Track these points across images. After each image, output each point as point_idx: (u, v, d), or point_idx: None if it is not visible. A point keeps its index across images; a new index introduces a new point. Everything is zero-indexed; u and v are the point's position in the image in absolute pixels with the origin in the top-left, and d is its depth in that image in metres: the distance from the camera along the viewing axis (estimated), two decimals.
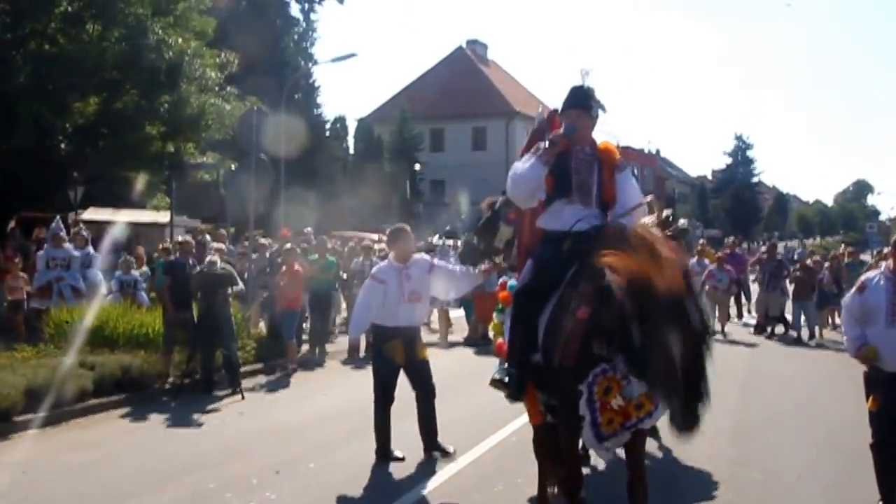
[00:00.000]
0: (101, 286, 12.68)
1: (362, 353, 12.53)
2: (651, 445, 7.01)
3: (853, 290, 5.86)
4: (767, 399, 10.32)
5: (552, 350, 4.62)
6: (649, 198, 6.31)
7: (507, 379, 5.01)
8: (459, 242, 12.67)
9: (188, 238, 12.51)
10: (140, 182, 17.80)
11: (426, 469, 7.05)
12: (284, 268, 12.17)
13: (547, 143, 4.89)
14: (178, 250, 11.68)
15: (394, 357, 7.29)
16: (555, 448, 5.37)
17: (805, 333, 16.37)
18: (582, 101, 5.01)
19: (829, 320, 17.33)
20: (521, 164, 5.00)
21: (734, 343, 15.26)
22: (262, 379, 11.42)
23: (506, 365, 5.13)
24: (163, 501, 6.21)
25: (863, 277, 5.90)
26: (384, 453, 7.29)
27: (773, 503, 6.35)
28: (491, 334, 6.21)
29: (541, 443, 5.49)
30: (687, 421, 4.01)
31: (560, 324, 4.59)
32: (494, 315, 6.00)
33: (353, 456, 7.39)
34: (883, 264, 6.00)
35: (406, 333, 7.29)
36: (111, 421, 8.90)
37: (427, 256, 7.83)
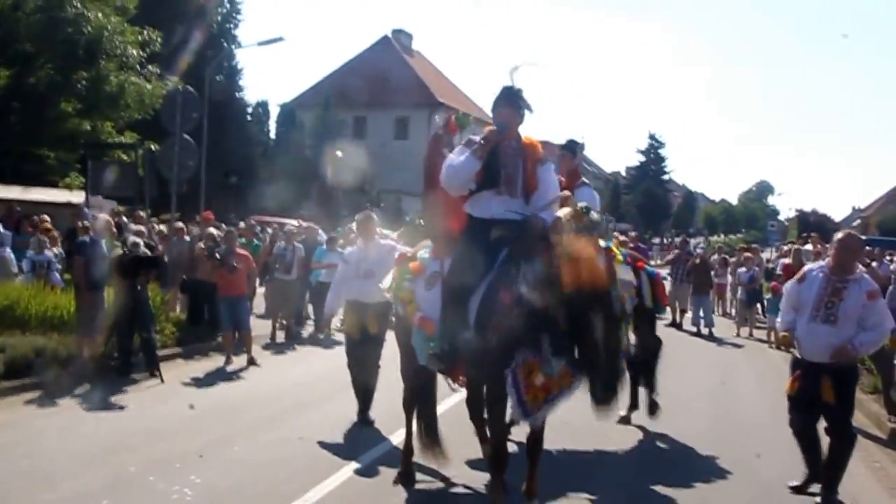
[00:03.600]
0: (11, 265, 12.23)
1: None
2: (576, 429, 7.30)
3: (795, 278, 6.34)
4: (676, 388, 10.71)
5: (487, 330, 4.96)
6: (566, 193, 6.66)
7: (440, 355, 5.33)
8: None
9: (102, 216, 12.07)
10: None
11: (351, 450, 7.14)
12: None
13: (481, 139, 5.32)
14: (90, 229, 11.30)
15: (348, 329, 8.21)
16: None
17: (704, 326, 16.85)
18: (511, 100, 5.45)
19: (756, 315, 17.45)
20: (456, 158, 5.40)
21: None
22: (181, 363, 11.27)
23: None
24: (83, 485, 6.07)
25: (806, 268, 6.38)
26: (363, 417, 8.02)
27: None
28: (399, 305, 6.10)
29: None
30: (607, 395, 4.53)
31: (493, 307, 4.97)
32: (403, 283, 5.97)
33: (278, 438, 7.42)
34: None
35: (360, 308, 7.93)
36: (23, 404, 8.62)
37: (392, 241, 8.24)
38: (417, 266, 5.88)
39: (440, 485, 6.34)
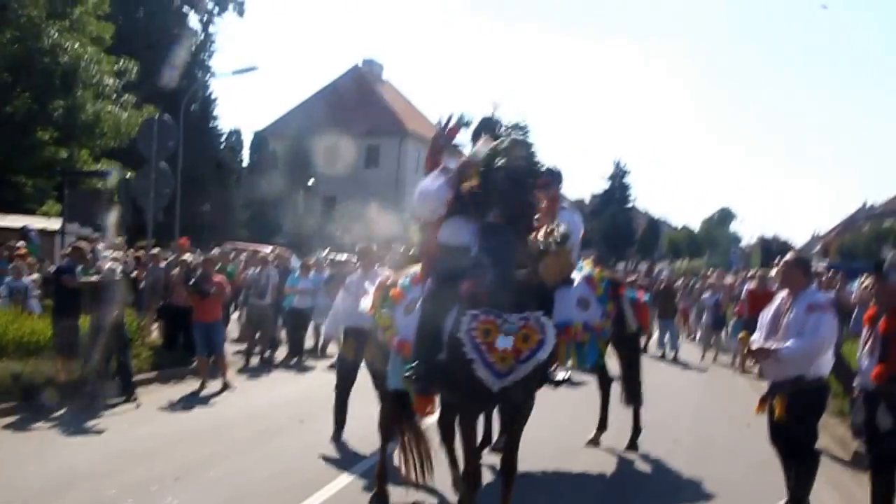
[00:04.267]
0: None
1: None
2: (542, 444, 7.46)
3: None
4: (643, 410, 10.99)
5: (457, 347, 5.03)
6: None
7: (415, 377, 5.36)
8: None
9: (81, 244, 12.23)
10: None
11: (328, 472, 7.26)
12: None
13: (457, 169, 5.41)
14: (68, 255, 11.42)
15: (347, 352, 8.36)
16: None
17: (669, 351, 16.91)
18: (490, 132, 5.59)
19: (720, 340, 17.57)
20: (431, 183, 5.52)
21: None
22: (157, 387, 11.34)
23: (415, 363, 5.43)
24: None
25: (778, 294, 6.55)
26: (337, 435, 8.43)
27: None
28: (378, 331, 6.20)
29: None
30: None
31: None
32: (382, 310, 6.06)
33: (253, 462, 7.50)
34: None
35: (360, 333, 7.93)
36: (0, 429, 8.69)
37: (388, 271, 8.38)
38: (398, 292, 5.96)
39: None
